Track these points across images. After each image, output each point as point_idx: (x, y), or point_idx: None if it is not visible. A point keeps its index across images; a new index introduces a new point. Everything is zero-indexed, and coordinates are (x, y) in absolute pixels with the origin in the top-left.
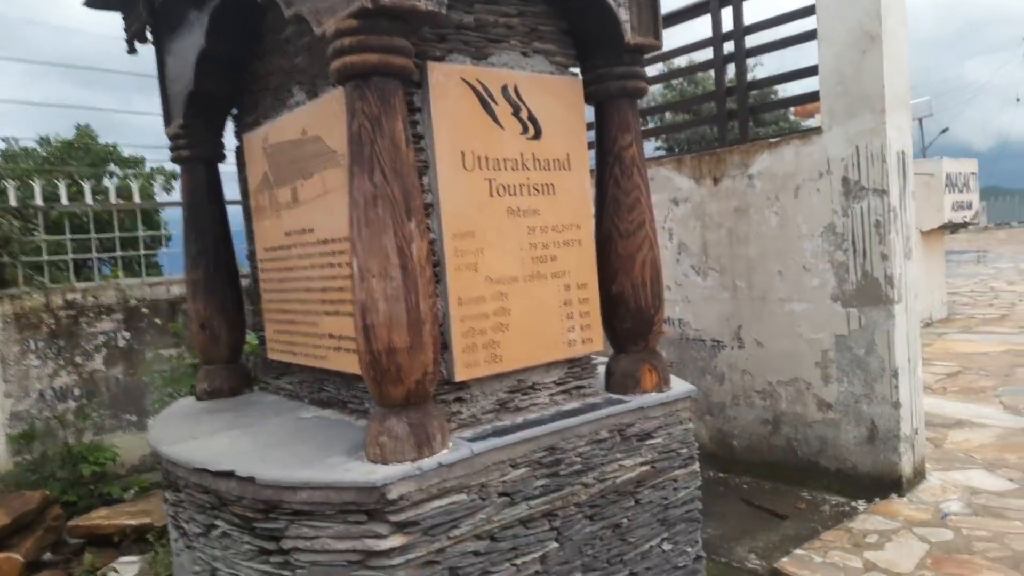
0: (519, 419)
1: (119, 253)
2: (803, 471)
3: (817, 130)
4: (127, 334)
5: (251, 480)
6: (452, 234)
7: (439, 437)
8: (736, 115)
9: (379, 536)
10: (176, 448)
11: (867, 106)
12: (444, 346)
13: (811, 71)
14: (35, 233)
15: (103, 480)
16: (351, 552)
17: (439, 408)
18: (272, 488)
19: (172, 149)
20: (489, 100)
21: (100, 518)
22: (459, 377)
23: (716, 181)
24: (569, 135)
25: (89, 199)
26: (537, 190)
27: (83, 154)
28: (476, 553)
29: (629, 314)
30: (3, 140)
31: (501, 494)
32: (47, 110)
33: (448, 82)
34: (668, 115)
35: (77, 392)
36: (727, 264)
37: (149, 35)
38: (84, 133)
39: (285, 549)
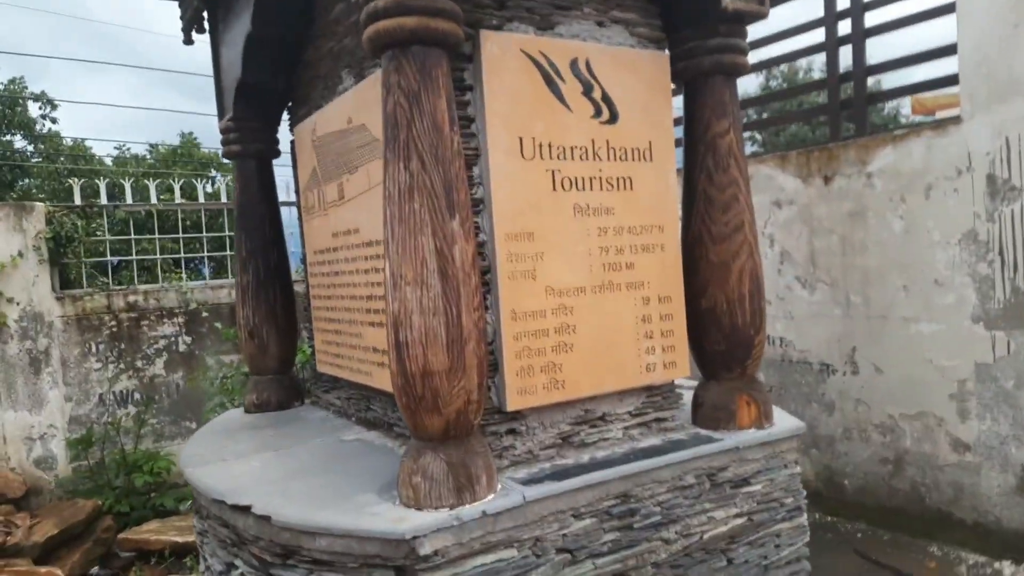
0: (585, 457)
1: (183, 255)
2: (932, 522)
3: (954, 119)
4: (188, 338)
5: (267, 519)
6: (505, 235)
7: (484, 479)
8: (851, 105)
9: None
10: (200, 471)
11: (1019, 90)
12: (494, 369)
13: (946, 51)
14: (98, 233)
15: (159, 490)
16: None
17: (485, 443)
18: (290, 531)
19: (223, 144)
20: (555, 77)
21: (149, 532)
22: (511, 406)
23: (827, 180)
24: (651, 120)
25: (200, 197)
26: (611, 184)
27: (187, 160)
28: None
29: (722, 334)
30: (116, 147)
31: (561, 550)
32: (157, 118)
33: (505, 55)
34: (760, 115)
35: (137, 397)
36: (839, 276)
37: (206, 24)
38: (188, 141)
39: None
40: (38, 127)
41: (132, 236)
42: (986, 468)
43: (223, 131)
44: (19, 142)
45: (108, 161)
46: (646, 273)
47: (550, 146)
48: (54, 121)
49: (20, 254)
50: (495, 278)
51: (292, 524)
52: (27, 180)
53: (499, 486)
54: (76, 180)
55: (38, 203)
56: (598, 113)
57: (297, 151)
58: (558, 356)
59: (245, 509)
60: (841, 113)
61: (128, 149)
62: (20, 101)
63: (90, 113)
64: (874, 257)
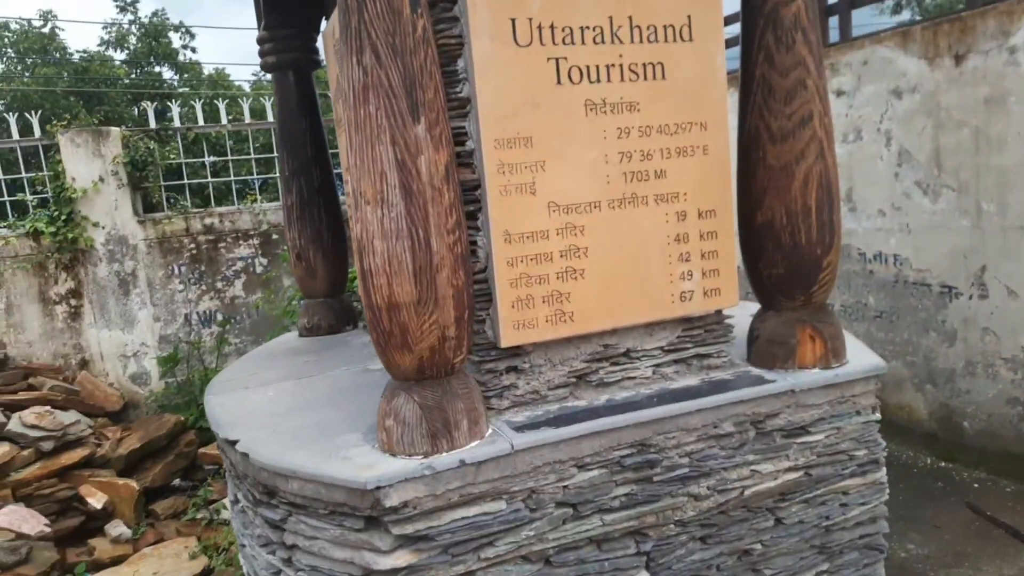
0: (602, 398)
1: (255, 176)
2: None
3: None
4: (264, 260)
5: (247, 456)
6: (495, 141)
7: (465, 425)
8: None
9: (378, 551)
10: (216, 399)
11: None
12: (489, 299)
13: None
14: (172, 155)
15: None
16: (350, 564)
17: (471, 384)
18: (267, 471)
19: (260, 56)
20: None
21: None
22: (506, 342)
23: (958, 60)
24: None
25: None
26: (635, 73)
27: (320, 82)
28: None
29: (781, 254)
30: (253, 74)
31: (561, 504)
32: None
33: None
34: None
35: (220, 317)
36: (969, 179)
37: None
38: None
39: (287, 544)
40: (180, 57)
41: (207, 159)
42: None
43: (259, 42)
44: (167, 73)
45: (246, 87)
46: (682, 182)
47: (552, 28)
48: (194, 50)
49: (101, 179)
50: (484, 193)
51: (266, 464)
52: (184, 107)
53: (489, 431)
54: (150, 103)
55: (114, 128)
56: None
57: (327, 58)
58: (565, 284)
59: (233, 443)
60: None
61: (264, 74)
62: (163, 32)
63: (231, 41)
64: (1015, 154)
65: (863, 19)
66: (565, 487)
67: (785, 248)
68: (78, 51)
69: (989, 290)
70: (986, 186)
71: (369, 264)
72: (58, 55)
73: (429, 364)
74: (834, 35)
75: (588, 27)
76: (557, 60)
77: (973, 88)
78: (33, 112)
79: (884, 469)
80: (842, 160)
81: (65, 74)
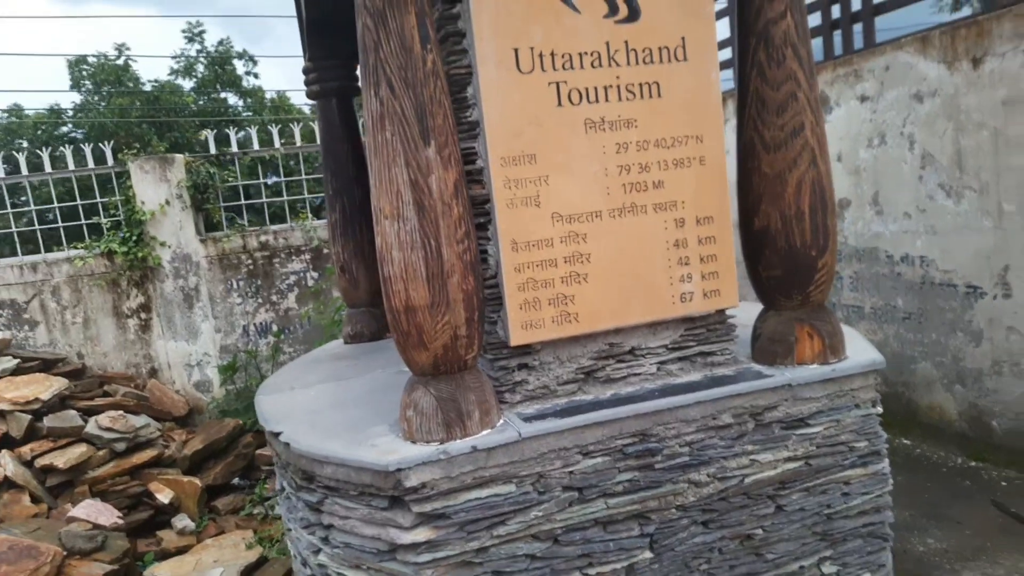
0: (608, 393)
1: (306, 195)
2: None
3: None
4: (315, 274)
5: (288, 445)
6: (501, 159)
7: (476, 415)
8: None
9: (401, 527)
10: (265, 399)
11: None
12: (499, 302)
13: None
14: (231, 178)
15: None
16: (378, 540)
17: (482, 379)
18: (305, 458)
19: (305, 85)
20: None
21: None
22: (515, 341)
23: (976, 63)
24: (684, 10)
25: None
26: (632, 93)
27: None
28: (531, 557)
29: (777, 257)
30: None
31: (568, 488)
32: None
33: None
34: None
35: (275, 328)
36: (990, 181)
37: None
38: None
39: (324, 524)
40: (243, 83)
41: (260, 180)
42: None
43: (304, 72)
44: (232, 98)
45: (307, 110)
46: (680, 191)
47: (553, 55)
48: (256, 76)
49: (167, 202)
50: (493, 207)
51: (305, 451)
52: (241, 133)
53: (500, 421)
54: (210, 130)
55: (178, 155)
56: (613, 11)
57: None
58: (569, 287)
59: (277, 435)
60: None
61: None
62: (229, 60)
63: (295, 66)
64: None
65: (920, 17)
66: (571, 472)
67: (781, 251)
68: (150, 80)
69: (1013, 289)
70: (1007, 187)
71: (388, 271)
72: (131, 85)
73: (443, 360)
74: (858, 40)
75: (586, 52)
76: (558, 84)
77: (991, 90)
78: (108, 140)
79: (886, 460)
80: (868, 164)
81: (138, 103)
